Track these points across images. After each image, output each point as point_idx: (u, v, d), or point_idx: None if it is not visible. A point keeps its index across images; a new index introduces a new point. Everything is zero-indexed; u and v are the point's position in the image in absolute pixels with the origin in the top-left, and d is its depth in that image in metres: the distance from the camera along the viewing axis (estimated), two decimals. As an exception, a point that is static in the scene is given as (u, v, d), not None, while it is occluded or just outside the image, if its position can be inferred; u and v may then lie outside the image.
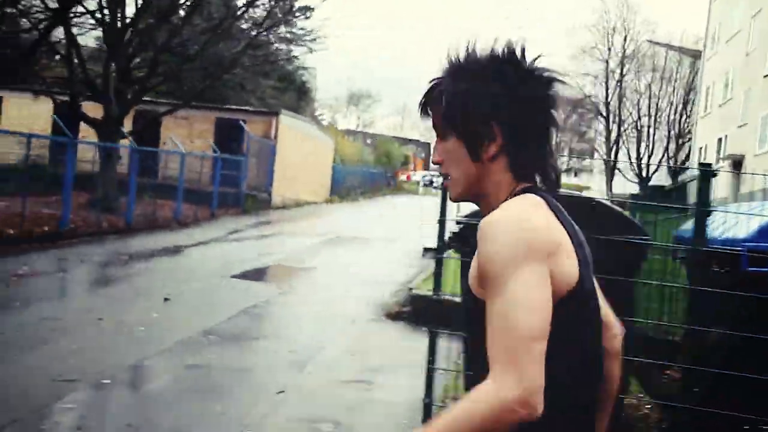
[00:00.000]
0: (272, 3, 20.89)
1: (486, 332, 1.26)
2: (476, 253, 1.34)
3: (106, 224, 14.81)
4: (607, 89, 48.36)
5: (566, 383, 1.32)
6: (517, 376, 1.19)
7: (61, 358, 6.11)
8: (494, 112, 1.38)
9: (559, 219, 1.37)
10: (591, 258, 1.43)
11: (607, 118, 48.69)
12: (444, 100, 1.42)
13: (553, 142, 1.47)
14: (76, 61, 16.60)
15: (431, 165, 34.43)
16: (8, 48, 16.66)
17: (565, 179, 68.02)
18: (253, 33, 19.66)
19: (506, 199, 1.40)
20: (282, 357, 6.82)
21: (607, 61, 48.20)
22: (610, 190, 43.90)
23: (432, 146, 1.73)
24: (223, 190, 20.67)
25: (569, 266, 1.32)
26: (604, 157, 49.43)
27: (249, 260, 12.79)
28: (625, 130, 47.61)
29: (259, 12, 20.52)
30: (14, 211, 12.68)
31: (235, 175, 22.00)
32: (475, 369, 1.38)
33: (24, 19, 16.57)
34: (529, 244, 1.26)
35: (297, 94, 42.82)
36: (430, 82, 1.48)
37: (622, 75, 47.57)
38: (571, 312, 1.31)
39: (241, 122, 23.92)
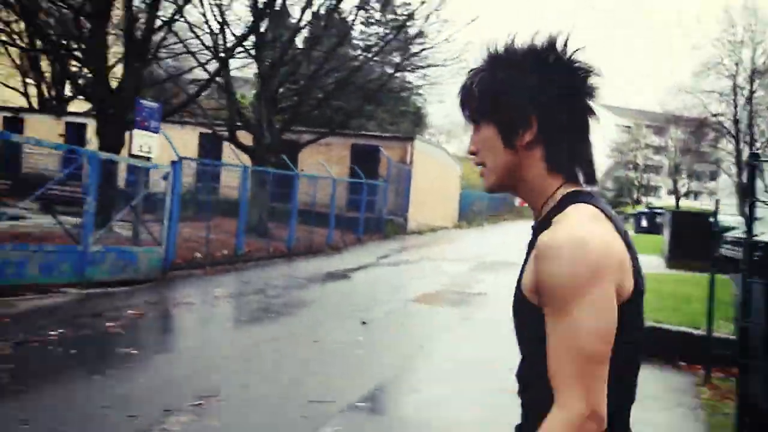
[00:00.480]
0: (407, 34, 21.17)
1: (529, 332, 1.33)
2: (532, 262, 1.33)
3: (272, 249, 15.28)
4: (735, 107, 45.77)
5: (624, 383, 1.35)
6: (584, 396, 1.22)
7: (304, 381, 6.20)
8: (529, 100, 1.38)
9: (615, 227, 1.33)
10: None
11: (736, 138, 45.97)
12: (479, 87, 1.43)
13: (591, 135, 1.44)
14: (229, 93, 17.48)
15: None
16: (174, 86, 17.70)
17: (684, 202, 64.80)
18: (396, 60, 19.92)
19: (554, 200, 1.39)
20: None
21: (734, 77, 45.63)
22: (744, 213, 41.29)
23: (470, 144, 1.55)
24: (355, 216, 20.86)
25: (628, 279, 1.30)
26: (734, 179, 46.61)
27: (414, 285, 12.78)
28: (758, 149, 44.74)
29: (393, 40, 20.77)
30: (196, 236, 13.28)
31: (373, 200, 22.25)
32: (530, 382, 1.40)
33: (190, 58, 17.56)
34: (595, 268, 1.24)
35: (413, 120, 43.26)
36: (469, 72, 1.47)
37: (752, 91, 44.91)
38: (627, 319, 1.30)
39: (380, 148, 24.25)
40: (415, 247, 20.91)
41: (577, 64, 1.39)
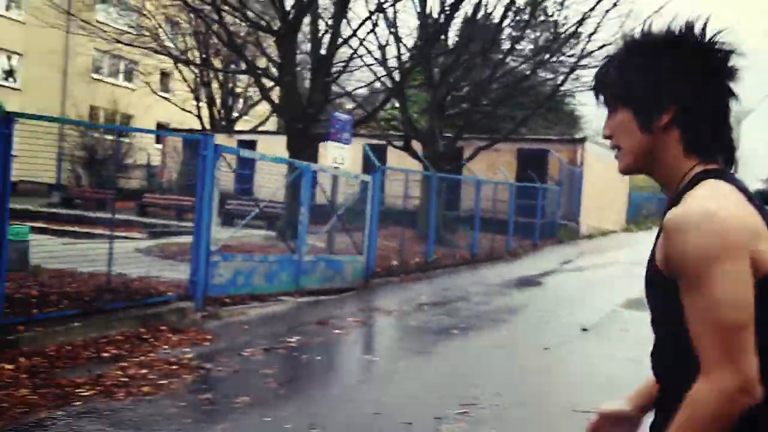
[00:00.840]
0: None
1: (676, 320, 1.31)
2: (662, 237, 1.35)
3: (458, 256, 15.21)
4: None
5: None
6: (733, 367, 1.22)
7: (552, 388, 5.94)
8: (665, 84, 1.40)
9: (750, 202, 1.33)
10: None
11: None
12: (616, 72, 1.46)
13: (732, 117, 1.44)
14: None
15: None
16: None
17: None
18: (573, 61, 19.21)
19: (686, 179, 1.41)
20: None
21: None
22: None
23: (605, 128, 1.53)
24: (529, 221, 20.18)
25: (766, 253, 1.29)
26: None
27: (611, 290, 12.15)
28: None
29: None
30: (382, 245, 13.45)
31: (545, 204, 21.59)
32: (670, 359, 1.40)
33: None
34: (726, 239, 1.25)
35: (568, 123, 41.84)
36: (605, 58, 1.53)
37: None
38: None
39: (549, 151, 23.58)
40: (594, 252, 20.03)
41: (716, 47, 1.39)
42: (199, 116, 34.07)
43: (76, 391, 5.37)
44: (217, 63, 28.59)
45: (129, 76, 36.82)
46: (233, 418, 4.92)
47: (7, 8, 31.05)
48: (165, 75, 35.56)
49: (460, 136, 18.75)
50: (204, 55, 27.62)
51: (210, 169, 7.96)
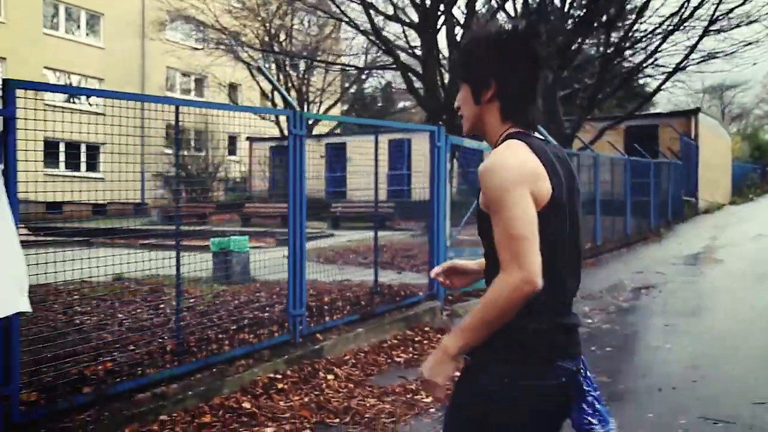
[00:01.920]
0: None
1: (491, 237, 1.83)
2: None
3: (616, 238, 14.72)
4: None
5: (556, 268, 1.86)
6: (519, 264, 1.73)
7: None
8: (489, 66, 1.94)
9: (538, 156, 1.85)
10: (571, 183, 1.94)
11: None
12: (460, 58, 2.04)
13: (533, 90, 1.96)
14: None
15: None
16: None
17: None
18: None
19: (498, 141, 1.96)
20: None
21: None
22: None
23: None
24: (644, 200, 19.26)
25: (545, 188, 1.82)
26: None
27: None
28: None
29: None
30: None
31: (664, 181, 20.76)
32: (489, 264, 1.95)
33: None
34: (513, 177, 1.78)
35: (640, 101, 40.52)
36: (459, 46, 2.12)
37: None
38: (549, 218, 1.82)
39: (664, 126, 22.79)
40: (728, 226, 19.20)
41: (528, 41, 1.93)
42: (277, 123, 34.16)
43: (417, 397, 5.11)
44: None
45: (200, 90, 37.23)
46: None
47: (87, 35, 31.60)
48: (233, 87, 35.86)
49: (586, 116, 18.11)
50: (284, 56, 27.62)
51: (443, 161, 7.66)
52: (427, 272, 7.76)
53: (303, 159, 5.63)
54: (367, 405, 4.93)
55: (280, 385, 5.21)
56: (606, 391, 4.84)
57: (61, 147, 20.69)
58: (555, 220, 1.85)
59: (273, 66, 33.37)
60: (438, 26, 13.75)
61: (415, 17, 14.10)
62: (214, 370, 5.01)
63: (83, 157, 25.19)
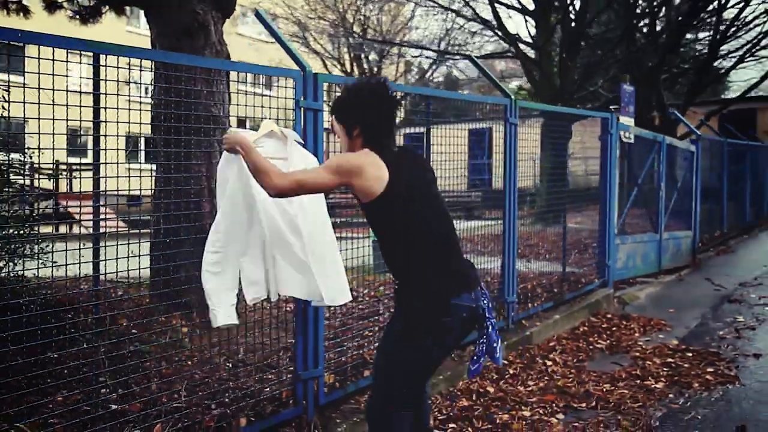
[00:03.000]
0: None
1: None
2: None
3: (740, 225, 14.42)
4: None
5: (412, 235, 2.77)
6: (278, 183, 2.72)
7: None
8: (357, 115, 2.82)
9: (382, 158, 2.73)
10: (420, 173, 2.88)
11: None
12: (336, 104, 2.89)
13: (387, 126, 2.84)
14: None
15: None
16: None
17: None
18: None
19: None
20: None
21: None
22: None
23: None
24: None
25: (377, 180, 2.69)
26: None
27: None
28: None
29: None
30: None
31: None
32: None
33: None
34: (345, 167, 2.72)
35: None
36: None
37: None
38: (389, 202, 2.71)
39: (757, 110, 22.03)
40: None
41: (380, 92, 2.82)
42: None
43: (646, 383, 5.13)
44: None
45: (269, 85, 37.64)
46: None
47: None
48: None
49: (692, 101, 17.70)
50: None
51: (615, 148, 7.62)
52: (596, 260, 7.75)
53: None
54: (604, 390, 4.97)
55: (510, 371, 5.31)
56: None
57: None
58: (396, 203, 2.70)
59: (345, 56, 33.59)
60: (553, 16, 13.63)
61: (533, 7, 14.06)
62: (453, 356, 5.12)
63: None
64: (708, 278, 9.26)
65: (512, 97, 5.68)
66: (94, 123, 3.13)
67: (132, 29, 28.37)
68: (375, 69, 34.82)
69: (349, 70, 34.59)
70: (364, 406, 2.98)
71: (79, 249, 3.12)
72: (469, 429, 4.23)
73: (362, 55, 33.14)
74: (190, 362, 4.28)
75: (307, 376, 3.79)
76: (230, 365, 4.28)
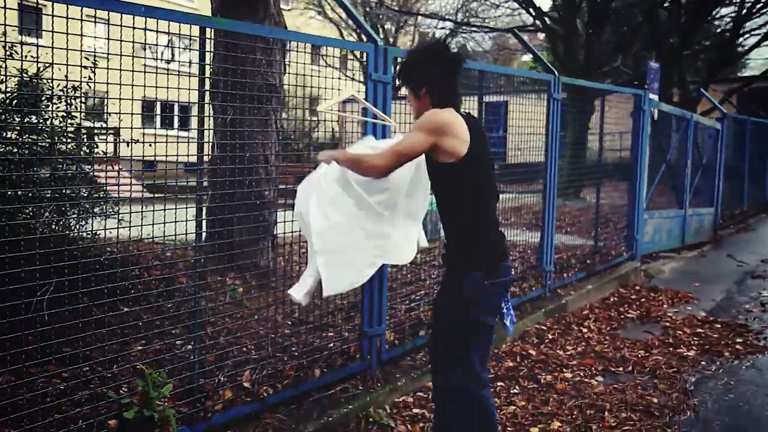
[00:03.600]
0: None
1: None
2: None
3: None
4: None
5: (477, 202, 2.87)
6: (379, 164, 2.82)
7: None
8: (422, 72, 2.90)
9: (464, 119, 2.83)
10: (484, 139, 2.94)
11: None
12: (402, 67, 2.98)
13: (452, 85, 2.90)
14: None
15: None
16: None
17: None
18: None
19: None
20: None
21: None
22: None
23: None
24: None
25: (463, 140, 2.77)
26: None
27: None
28: None
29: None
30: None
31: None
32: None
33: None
34: (435, 125, 2.77)
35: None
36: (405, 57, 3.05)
37: None
38: (468, 164, 2.79)
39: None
40: None
41: (447, 52, 2.91)
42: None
43: (678, 351, 5.39)
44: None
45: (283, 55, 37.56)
46: None
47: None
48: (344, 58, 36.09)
49: (713, 78, 17.73)
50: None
51: (647, 124, 7.79)
52: (625, 234, 7.97)
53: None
54: (639, 356, 5.23)
55: (549, 336, 5.57)
56: None
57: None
58: (471, 169, 2.79)
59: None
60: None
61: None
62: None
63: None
64: (730, 255, 9.48)
65: (556, 73, 5.85)
66: (200, 92, 3.32)
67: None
68: (391, 40, 34.80)
69: (365, 40, 34.62)
70: (441, 385, 2.98)
71: (141, 212, 3.13)
72: (516, 387, 4.51)
73: (378, 25, 33.12)
74: (252, 320, 4.55)
75: (373, 333, 4.06)
76: (290, 322, 4.55)
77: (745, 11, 17.04)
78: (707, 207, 10.66)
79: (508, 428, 3.90)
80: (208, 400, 3.26)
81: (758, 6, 17.17)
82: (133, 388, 3.14)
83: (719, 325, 6.10)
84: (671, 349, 5.44)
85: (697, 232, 10.14)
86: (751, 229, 12.26)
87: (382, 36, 34.64)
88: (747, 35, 18.66)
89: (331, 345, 4.17)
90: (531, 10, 14.89)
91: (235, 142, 4.99)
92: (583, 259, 7.04)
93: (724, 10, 19.88)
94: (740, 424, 4.08)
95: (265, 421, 3.41)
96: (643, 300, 6.96)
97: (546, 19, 14.68)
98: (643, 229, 8.14)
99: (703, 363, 5.13)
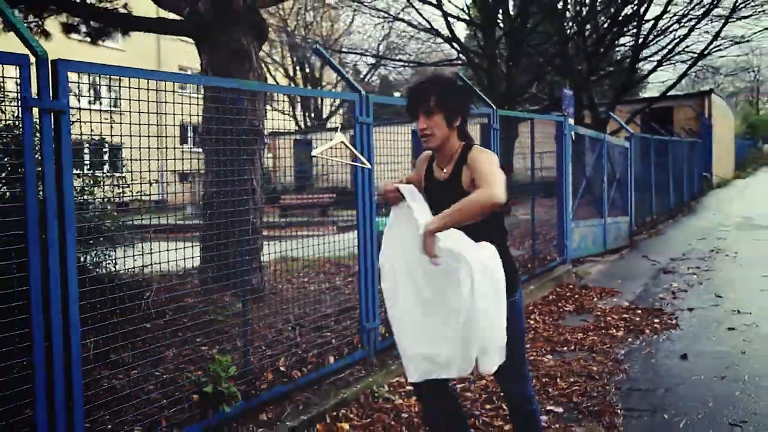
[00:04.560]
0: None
1: (457, 198, 2.61)
2: (466, 169, 2.83)
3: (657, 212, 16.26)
4: None
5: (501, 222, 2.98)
6: (497, 191, 2.55)
7: None
8: (459, 103, 2.86)
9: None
10: None
11: None
12: (440, 95, 2.82)
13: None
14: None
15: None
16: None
17: None
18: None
19: (458, 150, 2.92)
20: None
21: None
22: None
23: (420, 124, 2.92)
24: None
25: None
26: None
27: None
28: None
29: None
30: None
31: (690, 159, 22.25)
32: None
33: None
34: (497, 162, 2.74)
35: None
36: (421, 85, 2.92)
37: None
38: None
39: (692, 107, 24.29)
40: (750, 195, 20.80)
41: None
42: (294, 117, 35.52)
43: (611, 332, 6.52)
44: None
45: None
46: None
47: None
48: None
49: (619, 100, 19.54)
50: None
51: (568, 146, 9.04)
52: (557, 242, 9.16)
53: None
54: (578, 338, 6.32)
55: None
56: None
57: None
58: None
59: (288, 61, 34.76)
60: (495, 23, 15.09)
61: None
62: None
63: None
64: (645, 255, 10.87)
65: (494, 107, 6.97)
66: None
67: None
68: (317, 75, 35.96)
69: (292, 75, 35.71)
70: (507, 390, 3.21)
71: (150, 244, 3.92)
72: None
73: (304, 62, 34.22)
74: (257, 326, 5.38)
75: (369, 327, 4.97)
76: (297, 326, 5.41)
77: (641, 40, 18.99)
78: (623, 216, 12.09)
79: (484, 396, 4.87)
80: (257, 380, 4.10)
81: (651, 36, 19.18)
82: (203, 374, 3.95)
83: (640, 311, 7.28)
84: (604, 331, 6.55)
85: (616, 238, 11.51)
86: (661, 233, 13.83)
87: (309, 71, 35.75)
88: (644, 61, 20.69)
89: (340, 338, 5.06)
90: (455, 44, 16.36)
91: (227, 179, 5.85)
92: (524, 263, 8.15)
93: (623, 39, 21.99)
94: (659, 378, 5.18)
95: (296, 399, 4.26)
96: (577, 296, 8.11)
97: (469, 53, 16.17)
98: (572, 237, 9.36)
99: (629, 339, 6.26)
